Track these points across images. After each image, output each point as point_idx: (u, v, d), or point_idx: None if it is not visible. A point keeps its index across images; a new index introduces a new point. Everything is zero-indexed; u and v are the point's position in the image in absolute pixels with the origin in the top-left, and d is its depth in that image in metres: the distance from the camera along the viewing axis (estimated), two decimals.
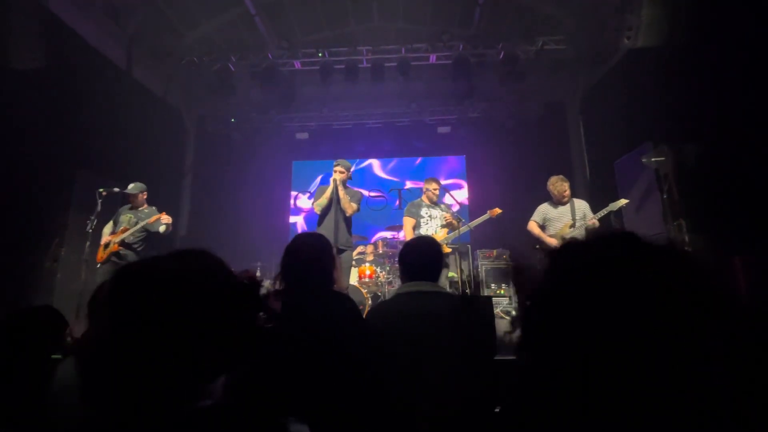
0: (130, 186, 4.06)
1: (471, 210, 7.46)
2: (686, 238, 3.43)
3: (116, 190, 3.93)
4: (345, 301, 1.60)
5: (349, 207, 3.82)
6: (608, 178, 5.31)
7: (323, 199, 3.81)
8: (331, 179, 3.80)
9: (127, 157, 5.22)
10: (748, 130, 3.21)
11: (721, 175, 3.48)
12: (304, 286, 1.59)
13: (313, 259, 1.59)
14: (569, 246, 0.52)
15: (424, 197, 4.16)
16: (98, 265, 3.90)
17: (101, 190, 3.80)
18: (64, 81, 4.49)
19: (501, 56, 6.24)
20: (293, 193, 8.09)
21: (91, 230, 3.65)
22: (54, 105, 4.35)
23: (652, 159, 3.55)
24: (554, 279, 0.50)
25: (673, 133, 3.78)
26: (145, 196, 4.16)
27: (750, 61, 3.16)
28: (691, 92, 3.70)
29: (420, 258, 1.69)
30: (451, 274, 4.53)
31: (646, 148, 3.81)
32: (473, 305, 1.64)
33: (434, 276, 1.61)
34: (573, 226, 3.82)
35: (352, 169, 4.11)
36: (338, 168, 3.86)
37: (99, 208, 3.75)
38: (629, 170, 4.36)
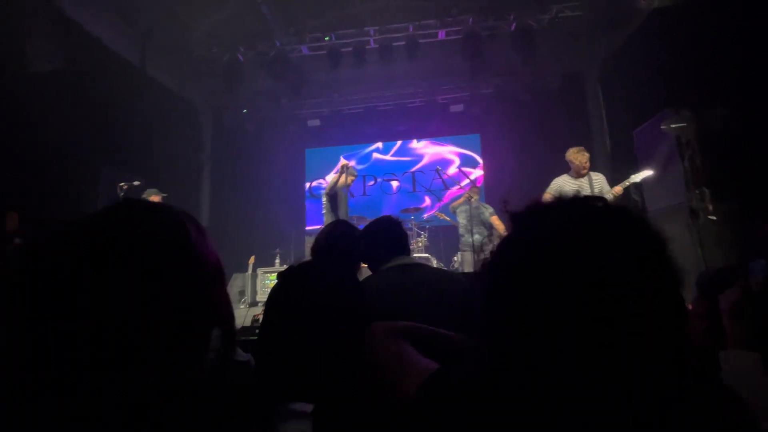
0: (146, 191, 4.11)
1: (486, 189, 7.36)
2: (709, 206, 3.28)
3: (136, 183, 4.09)
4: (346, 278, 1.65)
5: None
6: (630, 148, 5.10)
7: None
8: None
9: (148, 152, 5.40)
10: None
11: (749, 140, 3.28)
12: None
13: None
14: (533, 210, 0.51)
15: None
16: None
17: (122, 184, 3.97)
18: (83, 82, 4.65)
19: (513, 27, 6.00)
20: (308, 184, 8.21)
21: None
22: (76, 106, 4.52)
23: (672, 125, 3.39)
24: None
25: (696, 98, 3.58)
26: (159, 199, 4.22)
27: None
28: (714, 53, 3.48)
29: (389, 235, 1.71)
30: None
31: (667, 115, 3.64)
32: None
33: (407, 250, 1.66)
34: None
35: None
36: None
37: None
38: (649, 139, 4.18)
